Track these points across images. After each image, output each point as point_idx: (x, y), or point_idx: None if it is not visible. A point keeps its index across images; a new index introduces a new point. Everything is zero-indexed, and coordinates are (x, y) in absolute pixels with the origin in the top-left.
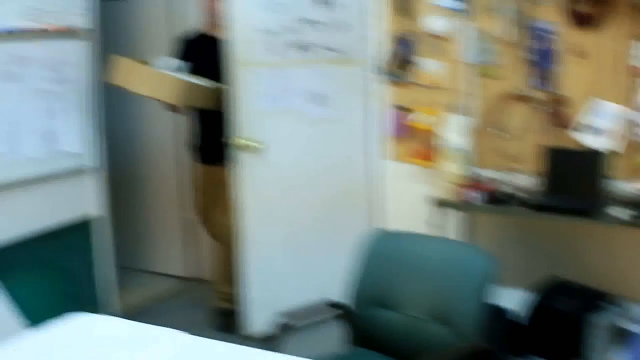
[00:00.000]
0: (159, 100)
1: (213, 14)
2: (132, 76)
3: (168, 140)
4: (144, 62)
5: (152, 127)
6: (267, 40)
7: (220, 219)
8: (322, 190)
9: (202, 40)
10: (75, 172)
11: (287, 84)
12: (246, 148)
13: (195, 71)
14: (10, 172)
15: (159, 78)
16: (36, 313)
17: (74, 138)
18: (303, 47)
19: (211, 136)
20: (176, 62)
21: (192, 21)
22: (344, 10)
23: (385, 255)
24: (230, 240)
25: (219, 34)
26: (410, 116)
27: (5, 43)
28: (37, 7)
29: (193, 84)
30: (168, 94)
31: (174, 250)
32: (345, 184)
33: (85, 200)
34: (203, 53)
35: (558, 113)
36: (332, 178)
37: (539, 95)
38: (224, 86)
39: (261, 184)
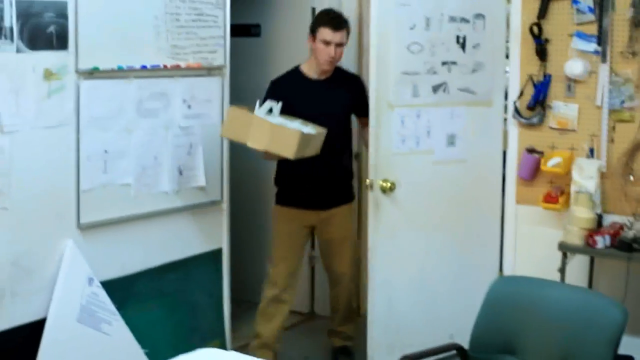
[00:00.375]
0: (272, 153)
1: (326, 59)
2: (244, 128)
3: None
4: (250, 109)
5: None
6: (410, 81)
7: (340, 267)
8: (453, 231)
9: (298, 79)
10: (200, 206)
11: (424, 125)
12: (382, 189)
13: (288, 111)
14: (141, 206)
15: (274, 131)
16: (157, 343)
17: (202, 172)
18: (442, 89)
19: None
20: (272, 104)
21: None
22: (481, 52)
23: (511, 301)
24: (350, 281)
25: (322, 75)
26: (543, 159)
27: (144, 79)
28: (175, 45)
29: (307, 134)
30: (285, 148)
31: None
32: (477, 226)
33: (209, 234)
34: (298, 92)
35: None
36: (463, 219)
37: None
38: (323, 130)
39: (392, 224)
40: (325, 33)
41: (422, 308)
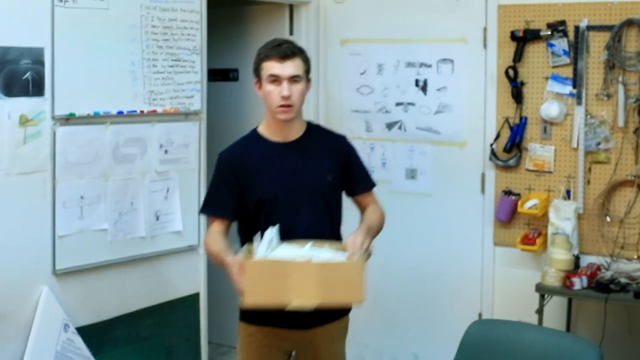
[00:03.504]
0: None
1: (278, 102)
2: (275, 284)
3: None
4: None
5: None
6: (362, 118)
7: None
8: (432, 274)
9: (253, 145)
10: (177, 251)
11: (379, 158)
12: None
13: (241, 194)
14: (117, 251)
15: (325, 273)
16: None
17: (179, 217)
18: (397, 126)
19: None
20: (272, 232)
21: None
22: (448, 94)
23: (487, 344)
24: None
25: (287, 133)
26: (519, 201)
27: (121, 125)
28: (152, 91)
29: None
30: (351, 293)
31: None
32: (456, 269)
33: (186, 278)
34: (254, 164)
35: None
36: (441, 262)
37: None
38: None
39: None
40: (269, 67)
41: (400, 352)
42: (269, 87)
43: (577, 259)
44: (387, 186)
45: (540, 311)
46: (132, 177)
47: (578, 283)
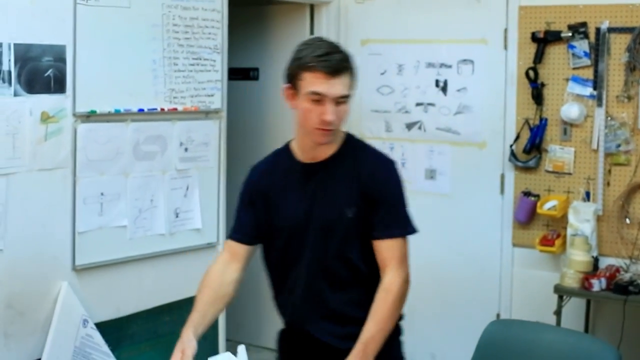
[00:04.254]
0: None
1: (317, 126)
2: None
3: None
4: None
5: None
6: (382, 118)
7: None
8: (451, 274)
9: (281, 163)
10: (196, 248)
11: (398, 158)
12: None
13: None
14: (137, 248)
15: None
16: None
17: (199, 215)
18: (417, 127)
19: None
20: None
21: None
22: (468, 95)
23: (505, 344)
24: None
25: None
26: (539, 202)
27: (141, 123)
28: (173, 89)
29: None
30: None
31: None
32: (474, 269)
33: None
34: (277, 185)
35: None
36: (460, 262)
37: None
38: None
39: None
40: (313, 82)
41: (419, 350)
42: (308, 105)
43: (596, 260)
44: (407, 186)
45: (558, 312)
46: (152, 175)
47: (597, 285)
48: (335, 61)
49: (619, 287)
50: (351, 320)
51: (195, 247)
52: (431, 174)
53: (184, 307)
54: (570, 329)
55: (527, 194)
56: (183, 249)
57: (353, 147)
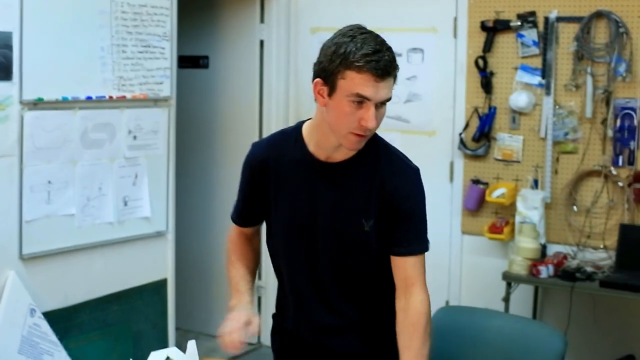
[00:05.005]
0: None
1: (355, 131)
2: None
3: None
4: None
5: (220, 192)
6: None
7: None
8: None
9: (292, 156)
10: (145, 237)
11: None
12: None
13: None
14: (85, 236)
15: None
16: None
17: (148, 203)
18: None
19: None
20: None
21: (275, 87)
22: (418, 84)
23: (454, 330)
24: None
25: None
26: (487, 190)
27: (89, 110)
28: (122, 77)
29: None
30: None
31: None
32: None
33: (154, 264)
34: (285, 183)
35: (637, 190)
36: None
37: (617, 172)
38: None
39: None
40: (360, 83)
41: None
42: (347, 108)
43: (543, 247)
44: None
45: (506, 299)
46: (100, 163)
47: (544, 271)
48: (385, 62)
49: (567, 274)
50: (355, 327)
51: (145, 235)
52: None
53: (133, 295)
54: (518, 315)
55: (476, 181)
56: (132, 237)
57: (376, 150)
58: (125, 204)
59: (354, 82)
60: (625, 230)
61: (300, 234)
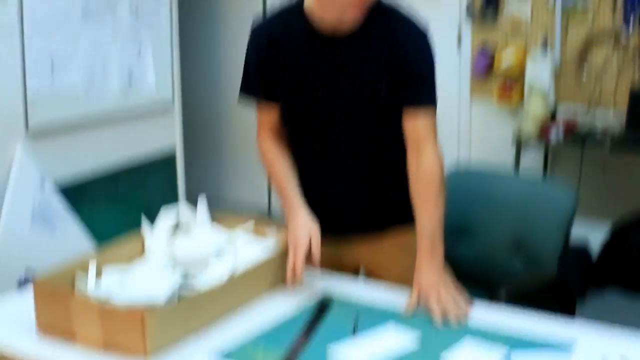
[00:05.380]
0: None
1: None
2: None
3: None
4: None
5: (227, 63)
6: None
7: None
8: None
9: (295, 30)
10: (152, 109)
11: None
12: None
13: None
14: (91, 109)
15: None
16: None
17: (152, 74)
18: None
19: None
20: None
21: None
22: None
23: (464, 190)
24: None
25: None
26: (496, 56)
27: None
28: None
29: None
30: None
31: (251, 188)
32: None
33: (162, 137)
34: (291, 58)
35: None
36: None
37: (627, 34)
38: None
39: None
40: None
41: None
42: None
43: (553, 111)
44: None
45: (516, 163)
46: (103, 35)
47: (554, 135)
48: None
49: (576, 137)
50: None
51: (151, 108)
52: None
53: (142, 169)
54: (530, 175)
55: (484, 47)
56: (138, 109)
57: (382, 14)
58: (130, 76)
59: None
60: (635, 94)
61: (314, 108)
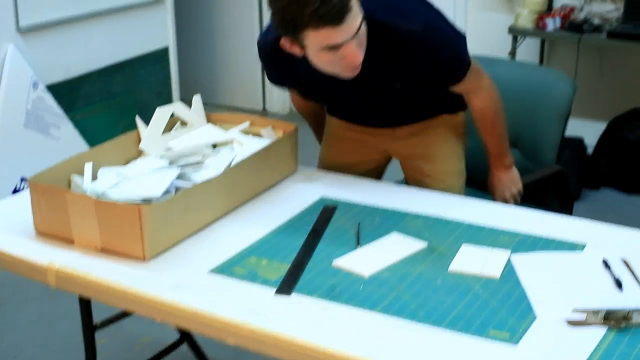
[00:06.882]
0: None
1: (342, 69)
2: (59, 214)
3: None
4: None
5: None
6: None
7: None
8: None
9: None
10: (144, 4)
11: None
12: None
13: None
14: (82, 5)
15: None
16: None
17: None
18: None
19: None
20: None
21: None
22: None
23: None
24: None
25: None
26: None
27: None
28: None
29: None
30: (129, 244)
31: (245, 85)
32: None
33: (154, 32)
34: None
35: None
36: None
37: None
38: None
39: None
40: (321, 38)
41: None
42: (327, 57)
43: (550, 0)
44: None
45: (513, 53)
46: None
47: (551, 24)
48: (335, 7)
49: (573, 26)
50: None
51: (143, 2)
52: None
53: (135, 65)
54: (527, 62)
55: None
56: (130, 5)
57: (381, 37)
58: None
59: (317, 39)
60: None
61: (337, 103)
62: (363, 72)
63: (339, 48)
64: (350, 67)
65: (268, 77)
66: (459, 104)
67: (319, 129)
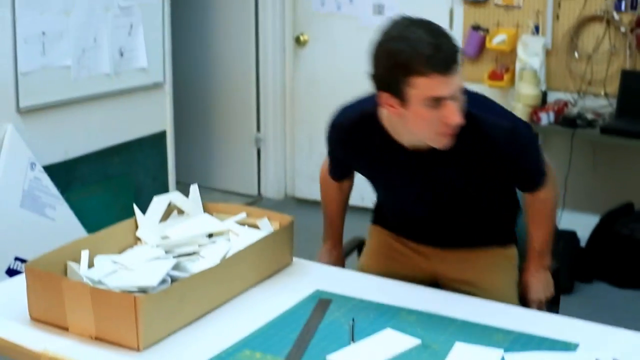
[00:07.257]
0: None
1: (442, 130)
2: (55, 301)
3: (237, 55)
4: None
5: (221, 41)
6: None
7: None
8: None
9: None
10: (143, 88)
11: None
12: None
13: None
14: (82, 88)
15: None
16: (102, 227)
17: (144, 53)
18: None
19: None
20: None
21: None
22: None
23: None
24: None
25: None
26: (488, 37)
27: None
28: None
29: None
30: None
31: (240, 169)
32: None
33: (153, 116)
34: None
35: (639, 36)
36: None
37: (619, 17)
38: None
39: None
40: (429, 86)
41: None
42: (427, 114)
43: (544, 94)
44: (355, 23)
45: None
46: (94, 13)
47: (545, 118)
48: (448, 54)
49: (567, 121)
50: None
51: (142, 86)
52: (379, 9)
53: (133, 148)
54: None
55: (476, 28)
56: (129, 88)
57: (469, 128)
58: (121, 54)
59: (425, 87)
60: (627, 77)
61: (398, 203)
62: (433, 161)
63: (441, 104)
64: (448, 127)
65: (329, 153)
66: (509, 235)
67: (332, 221)
